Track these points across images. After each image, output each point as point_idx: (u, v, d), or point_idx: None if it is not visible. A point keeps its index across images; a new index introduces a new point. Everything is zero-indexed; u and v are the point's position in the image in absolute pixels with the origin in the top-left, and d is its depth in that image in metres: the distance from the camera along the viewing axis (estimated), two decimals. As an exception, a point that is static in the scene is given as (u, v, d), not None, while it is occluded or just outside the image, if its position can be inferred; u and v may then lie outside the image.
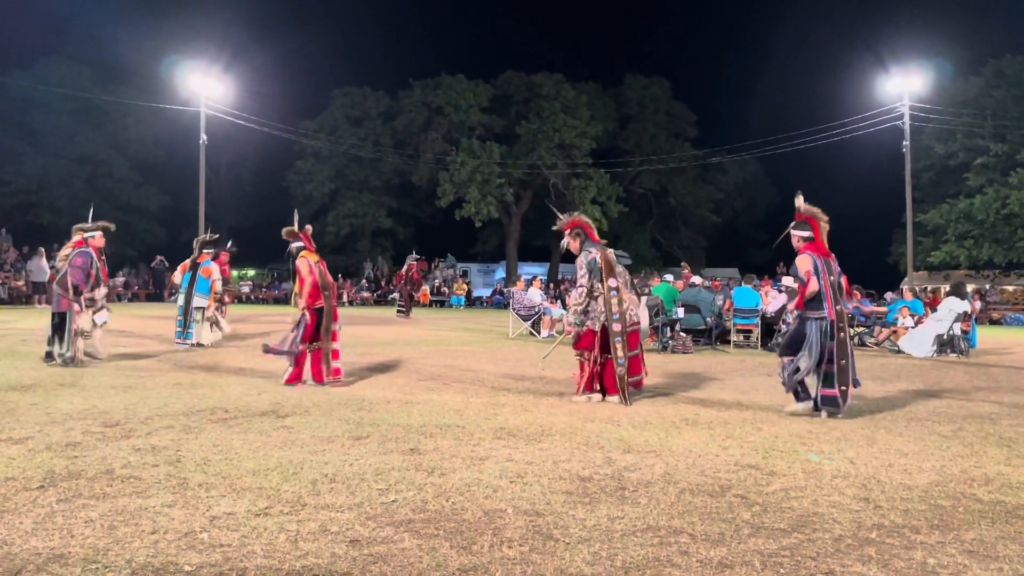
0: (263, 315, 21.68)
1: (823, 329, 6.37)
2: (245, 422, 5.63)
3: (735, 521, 3.51)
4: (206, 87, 32.00)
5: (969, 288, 17.32)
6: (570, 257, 7.52)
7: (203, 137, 31.83)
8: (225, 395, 6.93)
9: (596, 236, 7.38)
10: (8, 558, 2.90)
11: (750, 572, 2.91)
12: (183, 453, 4.59)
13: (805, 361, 6.40)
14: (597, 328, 6.99)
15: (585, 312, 7.03)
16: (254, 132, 37.34)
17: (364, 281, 38.35)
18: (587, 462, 4.58)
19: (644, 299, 13.35)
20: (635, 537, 3.26)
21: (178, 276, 12.15)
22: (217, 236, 13.07)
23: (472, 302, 37.45)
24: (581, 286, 7.02)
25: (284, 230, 8.16)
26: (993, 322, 28.90)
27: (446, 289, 36.79)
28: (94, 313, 9.12)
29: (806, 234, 6.63)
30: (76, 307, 8.87)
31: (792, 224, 6.76)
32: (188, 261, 12.08)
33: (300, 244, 8.00)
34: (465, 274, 42.29)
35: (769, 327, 14.49)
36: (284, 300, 33.30)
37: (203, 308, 11.75)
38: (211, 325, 11.92)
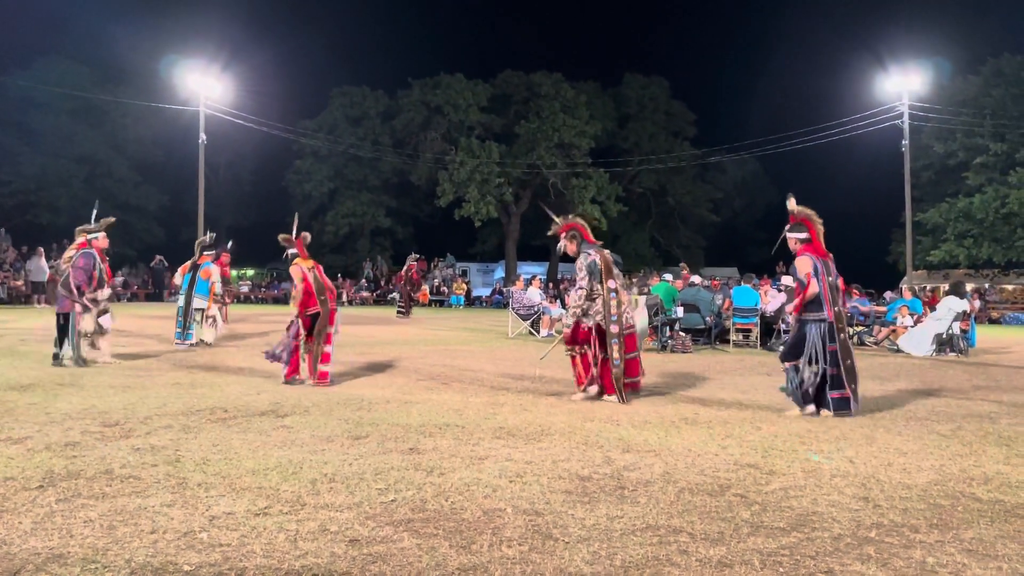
0: (263, 315, 21.67)
1: (823, 332, 6.37)
2: (244, 422, 5.63)
3: (734, 520, 3.51)
4: (205, 86, 32.01)
5: (968, 287, 17.34)
6: (569, 257, 7.53)
7: (202, 136, 31.84)
8: (224, 395, 6.93)
9: (591, 237, 7.39)
10: (7, 558, 2.90)
11: (749, 571, 2.91)
12: (182, 453, 4.59)
13: (807, 369, 6.38)
14: (591, 325, 7.02)
15: (585, 314, 7.05)
16: (253, 131, 37.35)
17: (363, 281, 38.33)
18: (586, 461, 4.58)
19: (643, 298, 13.40)
20: (634, 536, 3.26)
21: (178, 277, 12.18)
22: (215, 236, 13.08)
23: (471, 302, 37.46)
24: (581, 288, 7.03)
25: (280, 237, 8.20)
26: (992, 321, 28.92)
27: (445, 289, 36.78)
28: (99, 316, 9.14)
29: (803, 236, 6.62)
30: (78, 308, 8.89)
31: (787, 227, 6.74)
32: (189, 263, 12.11)
33: (294, 251, 8.04)
34: (464, 273, 42.28)
35: (768, 326, 14.49)
36: (283, 300, 33.26)
37: (203, 309, 11.79)
38: (212, 321, 11.94)
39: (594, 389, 7.09)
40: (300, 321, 7.81)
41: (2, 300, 25.19)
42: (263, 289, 37.16)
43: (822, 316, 6.37)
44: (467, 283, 39.42)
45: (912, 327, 14.37)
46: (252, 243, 35.67)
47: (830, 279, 6.46)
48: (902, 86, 31.70)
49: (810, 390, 6.45)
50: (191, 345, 11.47)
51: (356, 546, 3.09)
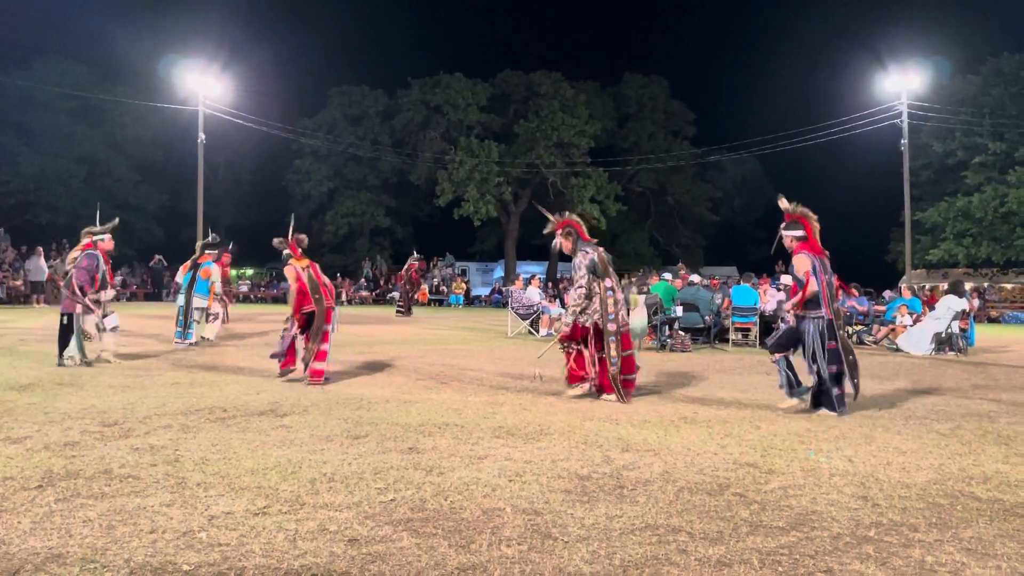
0: (262, 314, 21.66)
1: (821, 329, 6.38)
2: (243, 421, 5.63)
3: (733, 519, 3.51)
4: (204, 86, 31.98)
5: (967, 286, 17.35)
6: (568, 256, 7.54)
7: (201, 136, 31.81)
8: (223, 394, 6.92)
9: (587, 235, 7.40)
10: (6, 557, 2.90)
11: (748, 570, 2.91)
12: (181, 452, 4.59)
13: (823, 363, 6.36)
14: (589, 324, 7.03)
15: (582, 312, 7.06)
16: (252, 131, 37.33)
17: (363, 280, 38.32)
18: (586, 461, 4.58)
19: (643, 298, 13.40)
20: (634, 535, 3.26)
21: (180, 276, 12.22)
22: (220, 240, 13.10)
23: (471, 301, 37.45)
24: (581, 287, 7.03)
25: (274, 241, 8.21)
26: (991, 320, 28.94)
27: (445, 288, 36.78)
28: (103, 317, 9.17)
29: (799, 233, 6.62)
30: (79, 308, 8.91)
31: (783, 225, 6.74)
32: (190, 261, 12.13)
33: (289, 252, 8.06)
34: (464, 273, 42.26)
35: (768, 325, 14.49)
36: (283, 299, 33.25)
37: (203, 308, 11.79)
38: (214, 317, 11.95)
39: (586, 386, 7.11)
40: (296, 320, 7.85)
41: (1, 300, 25.19)
42: (262, 289, 37.15)
43: (820, 314, 6.38)
44: (466, 282, 39.41)
45: (911, 326, 14.38)
46: (251, 243, 35.62)
47: (827, 277, 6.48)
48: (901, 85, 31.70)
49: (796, 374, 6.49)
50: (190, 344, 11.48)
51: (355, 545, 3.09)
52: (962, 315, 13.68)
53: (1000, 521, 3.58)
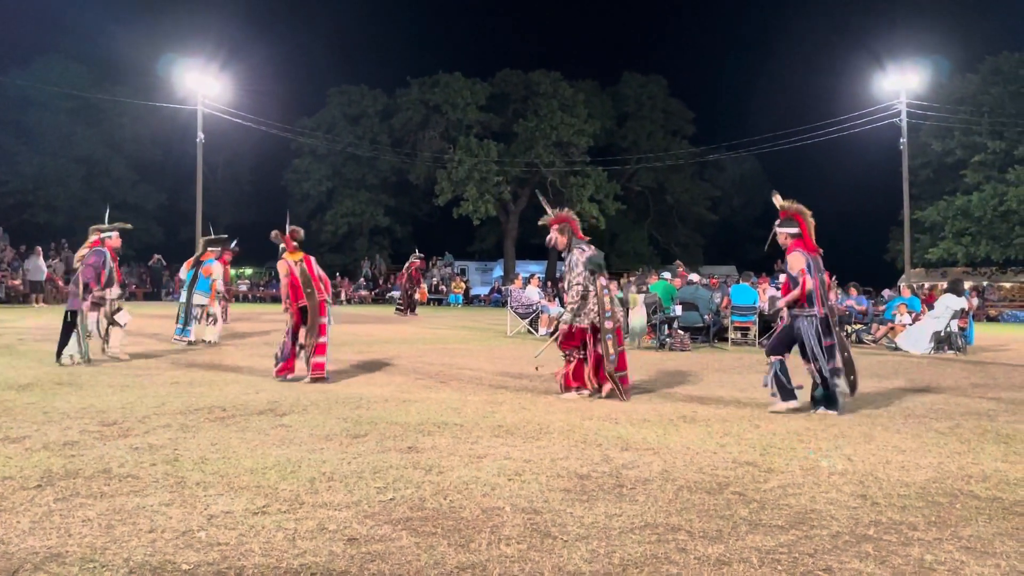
0: (261, 313, 21.65)
1: (816, 326, 6.38)
2: (243, 420, 5.63)
3: (733, 518, 3.51)
4: (203, 85, 31.95)
5: (966, 285, 17.36)
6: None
7: (200, 135, 31.78)
8: (223, 394, 6.92)
9: (581, 234, 7.40)
10: (5, 557, 2.89)
11: (748, 569, 2.91)
12: (181, 452, 4.59)
13: (821, 360, 6.36)
14: (586, 325, 7.03)
15: (578, 313, 7.04)
16: (251, 130, 37.31)
17: (362, 280, 38.32)
18: (585, 460, 4.58)
19: (642, 297, 13.40)
20: (633, 534, 3.26)
21: (183, 272, 12.26)
22: (225, 236, 13.11)
23: (470, 300, 37.46)
24: (578, 284, 7.01)
25: (272, 233, 8.23)
26: (990, 319, 28.96)
27: (444, 287, 36.78)
28: (113, 314, 9.20)
29: (794, 231, 6.60)
30: (85, 305, 8.92)
31: (777, 222, 6.72)
32: (193, 258, 12.16)
33: (283, 246, 8.07)
34: (463, 272, 42.28)
35: (767, 324, 14.49)
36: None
37: (203, 306, 11.80)
38: (213, 320, 11.95)
39: (585, 393, 7.10)
40: (292, 318, 7.86)
41: (0, 299, 25.16)
42: (262, 288, 37.14)
43: (813, 312, 6.38)
44: (465, 282, 39.41)
45: (910, 325, 14.39)
46: (251, 242, 35.60)
47: (820, 275, 6.49)
48: (900, 84, 31.72)
49: (789, 379, 6.49)
50: (189, 343, 11.49)
51: (354, 545, 3.08)
52: (961, 314, 13.69)
53: (999, 519, 3.58)
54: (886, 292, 25.99)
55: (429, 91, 42.44)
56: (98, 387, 7.16)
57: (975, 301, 20.69)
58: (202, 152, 32.31)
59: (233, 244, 14.29)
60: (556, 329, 8.87)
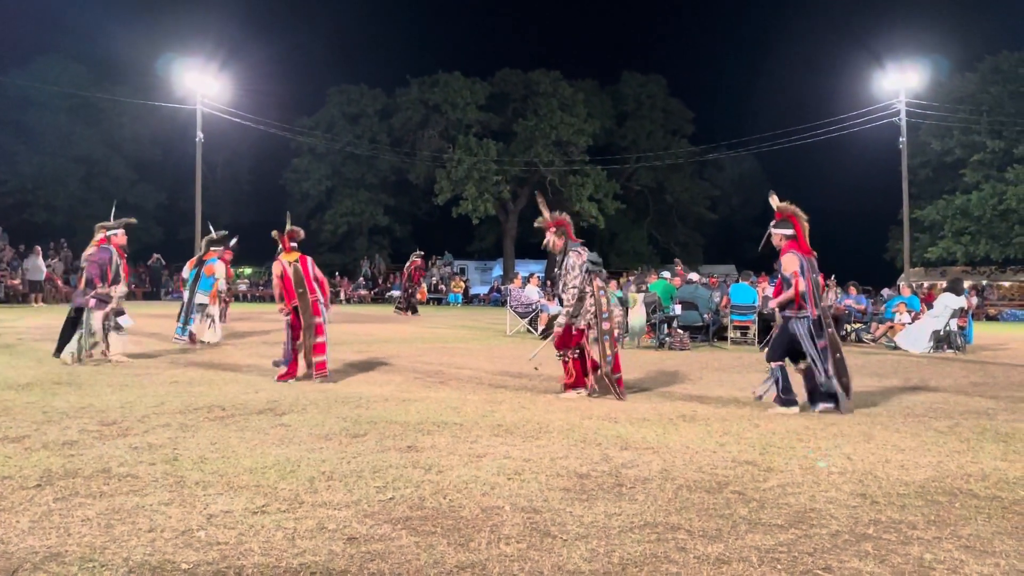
0: (261, 313, 21.64)
1: (809, 327, 6.38)
2: (242, 420, 5.63)
3: (732, 517, 3.51)
4: (202, 85, 31.90)
5: (966, 284, 17.37)
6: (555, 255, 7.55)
7: (199, 135, 31.74)
8: (222, 393, 6.92)
9: (574, 236, 7.42)
10: (5, 556, 2.89)
11: (747, 568, 2.91)
12: (180, 451, 4.58)
13: (818, 363, 6.36)
14: (583, 325, 7.04)
15: (575, 315, 7.05)
16: (250, 130, 37.27)
17: (361, 279, 38.30)
18: (584, 459, 4.58)
19: (641, 296, 13.40)
20: (632, 533, 3.26)
21: (186, 271, 12.29)
22: (226, 234, 13.12)
23: (469, 299, 37.44)
24: (574, 287, 7.01)
25: (273, 233, 8.24)
26: (990, 318, 28.97)
27: (443, 287, 36.77)
28: (115, 316, 9.21)
29: (789, 232, 6.62)
30: (92, 303, 8.93)
31: (773, 223, 6.74)
32: (195, 258, 12.19)
33: (280, 246, 8.09)
34: (462, 271, 42.27)
35: (767, 324, 14.49)
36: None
37: (204, 305, 11.80)
38: (211, 322, 11.95)
39: (583, 391, 7.10)
40: (290, 316, 7.88)
41: (-1, 299, 25.17)
42: (261, 287, 37.11)
43: (806, 313, 6.39)
44: (465, 281, 39.40)
45: (909, 324, 14.39)
46: (250, 241, 35.61)
47: (814, 277, 6.50)
48: (899, 83, 31.69)
49: (789, 383, 6.48)
50: (188, 341, 11.51)
51: (354, 544, 3.08)
52: (960, 313, 13.70)
53: (998, 518, 3.58)
54: (885, 291, 26.00)
55: (429, 90, 42.42)
56: (97, 386, 7.15)
57: (974, 300, 20.70)
58: (201, 151, 32.26)
59: (232, 242, 14.30)
60: (548, 327, 8.87)
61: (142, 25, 41.13)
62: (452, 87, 41.94)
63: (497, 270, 44.81)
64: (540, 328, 15.62)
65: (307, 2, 62.46)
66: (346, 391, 7.18)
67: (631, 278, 23.83)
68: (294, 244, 8.07)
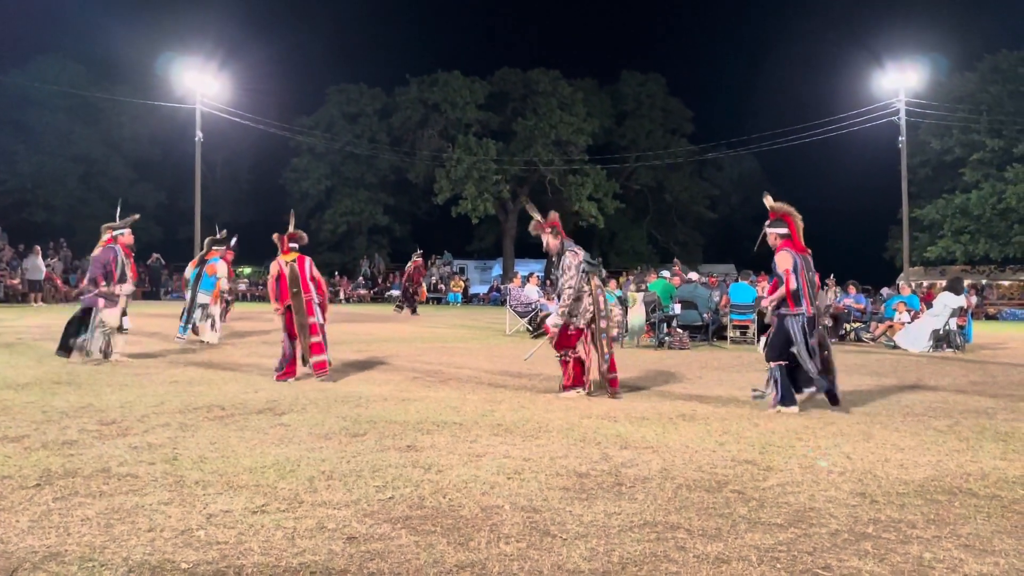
0: (261, 313, 21.64)
1: (803, 325, 6.40)
2: (242, 419, 5.63)
3: (732, 516, 3.51)
4: (202, 84, 31.88)
5: (965, 283, 17.38)
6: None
7: (199, 134, 31.71)
8: (222, 392, 6.92)
9: (566, 235, 7.44)
10: (4, 556, 2.89)
11: (747, 567, 2.91)
12: (180, 451, 4.58)
13: (807, 362, 6.39)
14: (582, 325, 7.05)
15: (572, 315, 7.05)
16: (250, 129, 37.25)
17: (361, 278, 38.30)
18: (584, 458, 4.59)
19: (641, 295, 13.40)
20: (632, 533, 3.26)
21: (188, 271, 12.32)
22: (224, 233, 13.14)
23: (469, 299, 37.44)
24: (571, 287, 7.01)
25: (275, 236, 8.25)
26: (989, 317, 28.97)
27: (443, 286, 36.77)
28: (121, 315, 9.26)
29: (783, 231, 6.66)
30: (101, 302, 8.97)
31: (767, 223, 6.80)
32: (197, 257, 12.22)
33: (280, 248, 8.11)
34: (462, 271, 42.26)
35: (766, 323, 14.49)
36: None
37: (206, 304, 11.81)
38: (211, 322, 11.95)
39: (582, 391, 7.11)
40: (284, 317, 7.88)
41: (-1, 299, 25.16)
42: (260, 287, 37.10)
43: (800, 311, 6.41)
44: (464, 280, 39.40)
45: (909, 323, 14.39)
46: (249, 241, 35.63)
47: (809, 274, 6.51)
48: (899, 82, 31.69)
49: (793, 386, 6.50)
50: (188, 340, 11.52)
51: (354, 543, 3.08)
52: (959, 312, 13.70)
53: (998, 517, 3.59)
54: (885, 290, 25.99)
55: (428, 90, 42.39)
56: (97, 386, 7.15)
57: (973, 299, 20.71)
58: (201, 151, 32.23)
59: (232, 241, 14.32)
60: (539, 325, 8.87)
61: (141, 24, 41.17)
62: (451, 86, 41.91)
63: (496, 269, 44.80)
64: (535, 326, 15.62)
65: (306, 1, 62.42)
66: (345, 390, 7.18)
67: (630, 277, 23.83)
68: (293, 246, 8.06)
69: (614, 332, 13.41)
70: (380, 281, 39.18)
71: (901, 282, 22.76)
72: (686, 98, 48.57)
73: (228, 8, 50.30)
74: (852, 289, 16.51)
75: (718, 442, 5.14)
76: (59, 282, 26.71)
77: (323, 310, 8.03)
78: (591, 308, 7.02)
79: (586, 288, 7.04)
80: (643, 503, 3.69)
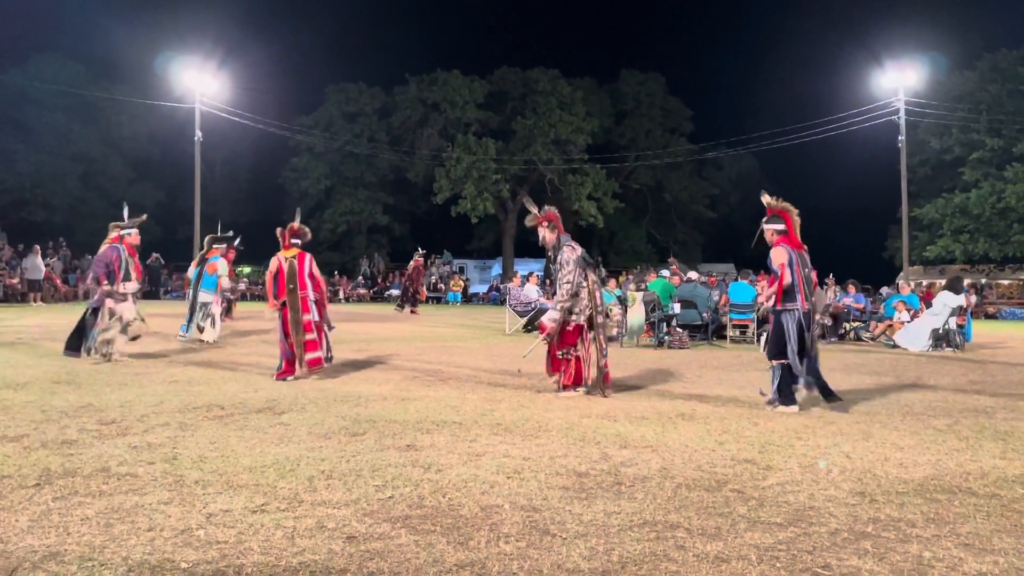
0: (261, 312, 21.62)
1: (798, 320, 6.41)
2: (241, 419, 5.63)
3: (731, 515, 3.51)
4: (201, 83, 31.87)
5: (965, 282, 17.38)
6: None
7: (198, 134, 31.71)
8: (221, 392, 6.92)
9: (563, 229, 7.44)
10: (4, 556, 2.89)
11: (746, 566, 2.92)
12: (179, 450, 4.58)
13: (794, 361, 6.41)
14: (582, 321, 7.05)
15: (570, 312, 7.05)
16: (249, 128, 37.23)
17: (360, 278, 38.29)
18: (583, 457, 4.59)
19: (640, 295, 13.40)
20: (631, 532, 3.26)
21: (191, 271, 12.36)
22: (230, 233, 13.15)
23: (468, 298, 37.43)
24: (568, 282, 7.00)
25: (278, 231, 8.26)
26: (988, 316, 28.98)
27: (442, 285, 36.76)
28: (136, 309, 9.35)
29: (780, 227, 6.70)
30: (109, 301, 9.01)
31: (764, 219, 6.84)
32: (198, 257, 12.25)
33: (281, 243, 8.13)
34: (461, 270, 42.25)
35: (766, 323, 14.49)
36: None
37: (208, 304, 11.82)
38: (212, 321, 11.95)
39: (581, 389, 7.11)
40: (281, 316, 7.89)
41: (-2, 298, 25.14)
42: (260, 286, 37.09)
43: (796, 306, 6.43)
44: (464, 280, 39.40)
45: (908, 322, 14.39)
46: (249, 240, 35.59)
47: (805, 271, 6.52)
48: (898, 82, 31.69)
49: (793, 386, 6.49)
50: (189, 339, 11.53)
51: (353, 543, 3.08)
52: (959, 311, 13.70)
53: (997, 516, 3.59)
54: (884, 290, 25.99)
55: (427, 89, 42.37)
56: (96, 385, 7.15)
57: (973, 298, 20.72)
58: (200, 150, 32.23)
59: (236, 241, 14.34)
60: (531, 321, 8.85)
61: (140, 23, 41.16)
62: (451, 85, 41.89)
63: (496, 269, 44.78)
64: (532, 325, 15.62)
65: (306, 1, 62.43)
66: (345, 390, 7.18)
67: (630, 277, 23.83)
68: (296, 241, 8.08)
69: (613, 331, 13.43)
70: (380, 280, 39.17)
71: (900, 281, 22.73)
72: (685, 97, 48.61)
73: (227, 7, 50.30)
74: (852, 288, 16.51)
75: (718, 441, 5.14)
76: (58, 282, 26.69)
77: (320, 307, 8.03)
78: (589, 305, 7.03)
79: (583, 284, 7.04)
80: (643, 502, 3.69)
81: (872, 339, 15.16)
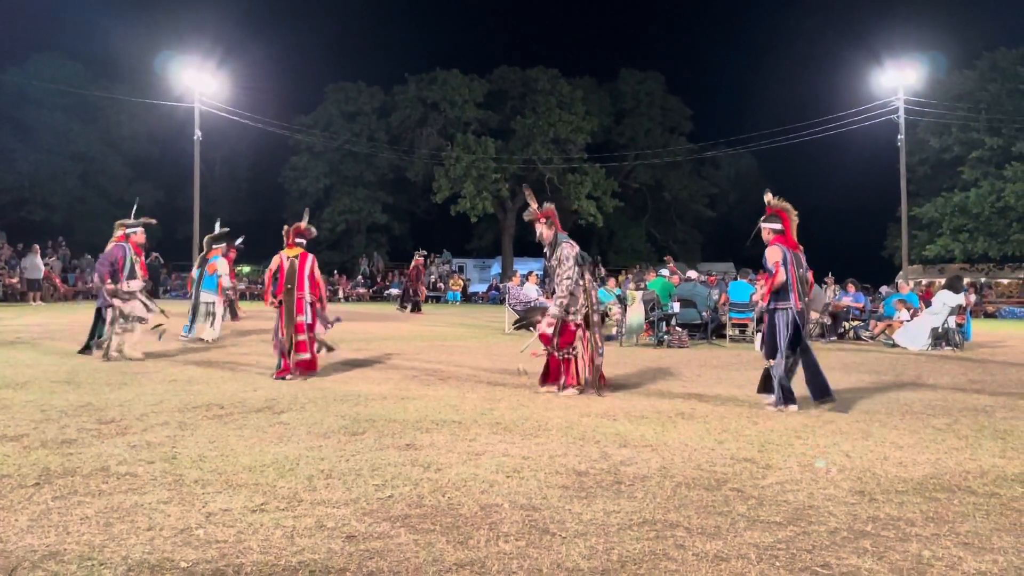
0: (261, 311, 21.63)
1: (789, 319, 6.41)
2: (241, 418, 5.63)
3: (731, 515, 3.52)
4: (200, 83, 31.86)
5: (964, 281, 17.39)
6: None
7: (197, 133, 31.70)
8: (220, 391, 6.92)
9: (560, 226, 7.44)
10: (3, 555, 2.89)
11: (746, 565, 2.92)
12: (179, 450, 4.58)
13: (782, 362, 6.42)
14: (581, 320, 7.06)
15: (567, 310, 7.05)
16: (248, 128, 37.23)
17: (360, 277, 38.29)
18: (583, 456, 4.59)
19: (640, 294, 13.39)
20: (631, 531, 3.27)
21: (194, 271, 12.39)
22: (227, 230, 13.13)
23: (468, 297, 37.43)
24: (568, 278, 7.00)
25: (285, 229, 8.28)
26: (988, 315, 29.00)
27: (442, 285, 36.76)
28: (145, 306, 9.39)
29: (776, 227, 6.73)
30: (116, 301, 9.04)
31: (762, 218, 6.87)
32: (199, 257, 12.29)
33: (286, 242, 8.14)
34: (461, 269, 42.25)
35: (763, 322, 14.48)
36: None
37: (209, 303, 11.82)
38: (211, 320, 11.96)
39: (580, 388, 7.11)
40: (278, 313, 7.93)
41: (-2, 298, 25.14)
42: (259, 286, 37.09)
43: (789, 305, 6.44)
44: (464, 279, 39.39)
45: (908, 321, 14.40)
46: (248, 239, 35.58)
47: (799, 271, 6.54)
48: (898, 81, 31.70)
49: (789, 385, 6.50)
50: (190, 339, 11.54)
51: (353, 542, 3.08)
52: (958, 310, 13.71)
53: (997, 515, 3.59)
54: (884, 289, 26.00)
55: (427, 88, 42.36)
56: (96, 385, 7.15)
57: (972, 297, 20.71)
58: (199, 149, 32.22)
59: (238, 241, 14.38)
60: (521, 319, 8.87)
61: (140, 23, 41.16)
62: (450, 85, 41.88)
63: (496, 268, 44.76)
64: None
65: (305, 1, 62.39)
66: (344, 389, 7.18)
67: (629, 276, 23.82)
68: (300, 241, 8.10)
69: (612, 330, 13.43)
70: (379, 280, 39.16)
71: (900, 280, 22.71)
72: (685, 96, 48.60)
73: (227, 7, 50.30)
74: (851, 287, 16.50)
75: (717, 440, 5.14)
76: (58, 281, 26.69)
77: (315, 310, 8.03)
78: (585, 303, 7.04)
79: (580, 282, 7.05)
80: (642, 501, 3.69)
81: (871, 338, 15.16)
